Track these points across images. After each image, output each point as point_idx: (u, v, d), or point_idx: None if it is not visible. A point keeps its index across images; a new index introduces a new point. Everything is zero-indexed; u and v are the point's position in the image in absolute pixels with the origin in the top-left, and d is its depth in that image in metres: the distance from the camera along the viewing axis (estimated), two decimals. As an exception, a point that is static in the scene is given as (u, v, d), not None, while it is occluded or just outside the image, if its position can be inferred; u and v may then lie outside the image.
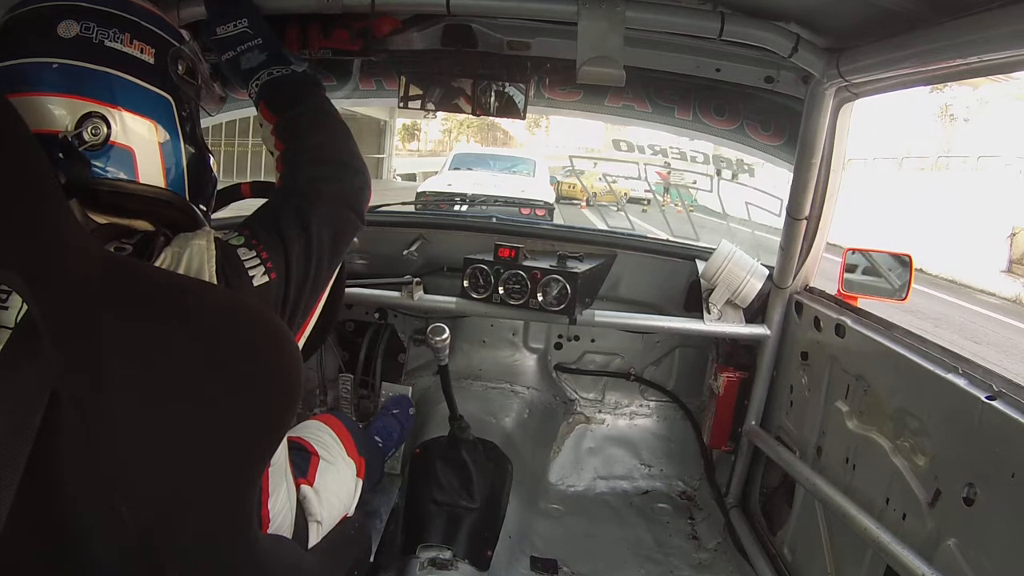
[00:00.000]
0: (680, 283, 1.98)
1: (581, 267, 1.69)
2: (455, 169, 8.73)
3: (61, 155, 0.65)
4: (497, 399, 2.06)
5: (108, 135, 0.67)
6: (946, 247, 11.89)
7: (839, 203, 1.54)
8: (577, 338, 2.18)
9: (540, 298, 1.64)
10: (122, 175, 0.69)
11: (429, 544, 1.45)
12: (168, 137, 0.73)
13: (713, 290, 1.77)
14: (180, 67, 0.75)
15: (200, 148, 0.79)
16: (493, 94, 1.54)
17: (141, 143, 0.70)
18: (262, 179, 1.10)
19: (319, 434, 1.26)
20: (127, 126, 0.69)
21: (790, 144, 1.64)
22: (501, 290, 1.67)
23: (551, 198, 7.82)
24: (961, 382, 1.03)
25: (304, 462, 1.13)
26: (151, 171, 0.71)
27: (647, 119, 1.83)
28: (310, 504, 1.05)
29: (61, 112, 0.65)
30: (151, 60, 0.72)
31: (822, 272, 1.65)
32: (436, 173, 9.52)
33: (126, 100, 0.69)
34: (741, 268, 1.74)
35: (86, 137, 0.66)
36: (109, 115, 0.67)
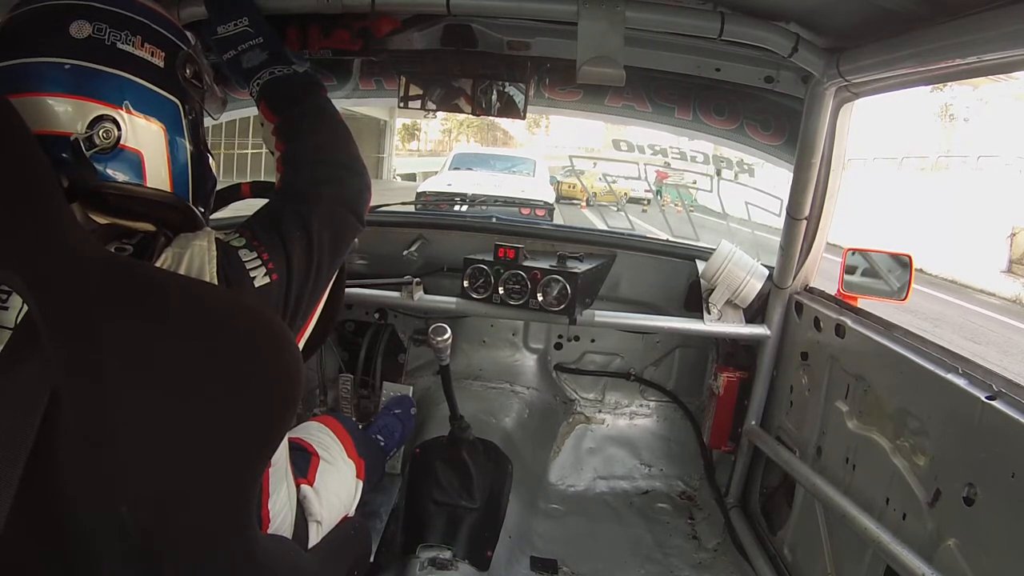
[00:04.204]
0: (680, 283, 1.98)
1: (581, 267, 1.69)
2: (455, 169, 8.72)
3: (65, 156, 0.65)
4: (497, 399, 2.06)
5: (119, 138, 0.67)
6: (946, 247, 11.89)
7: (839, 203, 1.54)
8: (577, 338, 2.18)
9: (540, 298, 1.64)
10: (129, 178, 0.69)
11: (429, 544, 1.45)
12: (174, 140, 0.73)
13: (713, 290, 1.77)
14: (187, 70, 0.75)
15: (202, 149, 0.79)
16: (493, 94, 1.54)
17: (150, 146, 0.70)
18: (262, 179, 1.10)
19: (319, 435, 1.26)
20: (137, 129, 0.69)
21: (790, 144, 1.64)
22: (501, 290, 1.67)
23: (551, 198, 7.82)
24: (961, 382, 1.03)
25: (304, 462, 1.13)
26: (158, 174, 0.71)
27: (647, 119, 1.83)
28: (310, 504, 1.05)
29: (70, 113, 0.65)
30: (161, 63, 0.72)
31: (822, 272, 1.65)
32: (436, 173, 9.53)
33: (136, 103, 0.69)
34: (741, 268, 1.74)
35: (97, 140, 0.66)
36: (120, 118, 0.67)
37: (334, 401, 2.16)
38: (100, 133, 0.66)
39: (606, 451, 2.12)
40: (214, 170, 0.82)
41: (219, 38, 0.99)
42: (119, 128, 0.67)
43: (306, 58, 1.31)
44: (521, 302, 1.66)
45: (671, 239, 2.45)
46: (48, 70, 0.65)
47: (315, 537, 1.05)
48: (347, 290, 1.15)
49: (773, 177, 2.11)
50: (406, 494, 1.64)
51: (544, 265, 1.66)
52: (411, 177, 19.44)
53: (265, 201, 0.78)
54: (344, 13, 1.24)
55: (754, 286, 1.73)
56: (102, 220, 0.68)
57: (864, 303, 1.51)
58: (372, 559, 1.43)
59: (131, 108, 0.68)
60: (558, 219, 7.11)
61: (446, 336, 1.51)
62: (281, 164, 0.84)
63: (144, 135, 0.69)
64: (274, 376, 0.63)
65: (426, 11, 1.33)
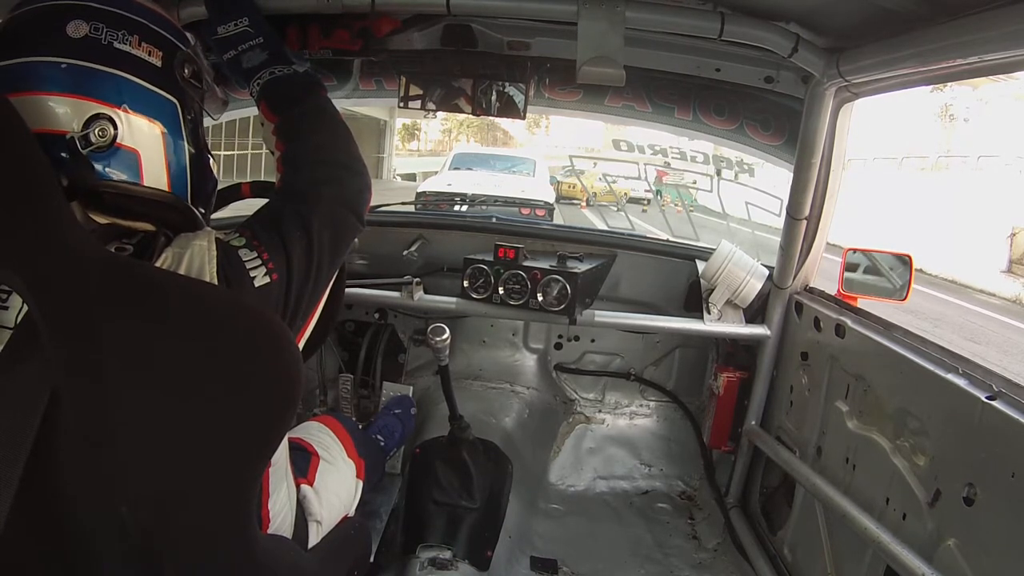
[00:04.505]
0: (680, 283, 1.98)
1: (581, 267, 1.69)
2: (455, 169, 8.73)
3: (64, 155, 0.65)
4: (497, 399, 2.06)
5: (115, 137, 0.67)
6: (946, 247, 11.89)
7: (839, 203, 1.54)
8: (577, 338, 2.18)
9: (540, 298, 1.64)
10: (126, 177, 0.69)
11: (429, 544, 1.45)
12: (172, 140, 0.73)
13: (713, 290, 1.77)
14: (186, 70, 0.75)
15: (201, 150, 0.79)
16: (493, 94, 1.54)
17: (146, 145, 0.70)
18: (262, 179, 1.10)
19: (319, 435, 1.26)
20: (133, 128, 0.69)
21: (790, 144, 1.64)
22: (501, 290, 1.67)
23: (551, 198, 7.82)
24: (961, 382, 1.03)
25: (304, 462, 1.13)
26: (155, 173, 0.71)
27: (647, 119, 1.83)
28: (310, 504, 1.05)
29: (67, 113, 0.65)
30: (158, 63, 0.72)
31: (822, 272, 1.65)
32: (436, 173, 9.53)
33: (133, 102, 0.69)
34: (741, 268, 1.74)
35: (93, 139, 0.66)
36: (116, 117, 0.67)
37: (334, 401, 2.16)
38: (96, 131, 0.66)
39: (606, 451, 2.12)
40: (214, 171, 0.82)
41: (219, 38, 0.99)
42: (115, 127, 0.67)
43: (306, 58, 1.31)
44: (521, 302, 1.66)
45: (671, 239, 2.45)
46: (45, 69, 0.65)
47: (315, 537, 1.05)
48: (347, 290, 1.15)
49: (773, 177, 2.11)
50: (406, 494, 1.64)
51: (544, 265, 1.66)
52: (411, 177, 19.45)
53: (265, 201, 0.78)
54: (344, 13, 1.24)
55: (754, 286, 1.73)
56: (102, 220, 0.68)
57: (864, 303, 1.51)
58: (372, 559, 1.43)
59: (128, 107, 0.68)
60: (558, 219, 7.11)
61: (444, 336, 1.51)
62: (281, 164, 0.84)
63: (141, 134, 0.69)
64: (274, 376, 0.63)
65: (426, 11, 1.33)
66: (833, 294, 1.56)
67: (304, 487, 1.06)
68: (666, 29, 1.26)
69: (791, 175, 1.53)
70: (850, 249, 1.62)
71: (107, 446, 0.56)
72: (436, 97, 1.56)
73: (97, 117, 0.66)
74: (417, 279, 1.79)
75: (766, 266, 1.77)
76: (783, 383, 1.69)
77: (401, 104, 1.58)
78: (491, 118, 1.67)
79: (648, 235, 2.43)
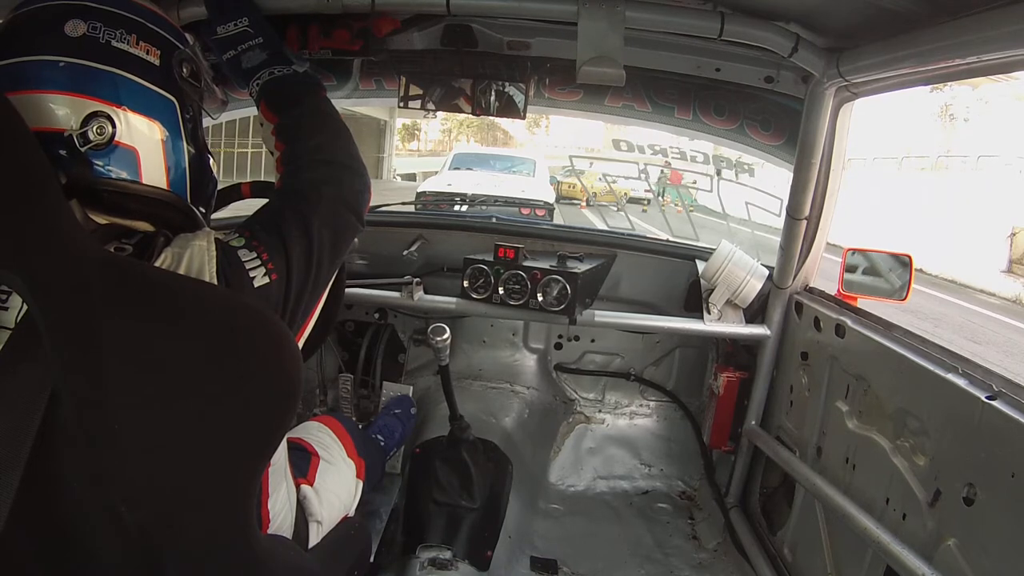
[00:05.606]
0: (680, 283, 1.98)
1: (581, 267, 1.69)
2: (455, 169, 8.73)
3: (63, 153, 0.65)
4: (497, 399, 2.06)
5: (113, 135, 0.67)
6: (946, 247, 11.89)
7: (839, 203, 1.54)
8: (577, 338, 2.18)
9: (540, 298, 1.64)
10: (125, 175, 0.69)
11: (429, 544, 1.46)
12: (171, 138, 0.73)
13: (713, 290, 1.76)
14: (184, 69, 0.75)
15: (201, 150, 0.79)
16: (493, 94, 1.54)
17: (145, 144, 0.70)
18: (262, 179, 1.10)
19: (319, 435, 1.26)
20: (132, 126, 0.69)
21: (790, 144, 1.64)
22: (501, 290, 1.67)
23: (551, 198, 7.83)
24: (961, 382, 1.03)
25: (304, 462, 1.13)
26: (154, 172, 0.71)
27: (647, 119, 1.83)
28: (310, 504, 1.05)
29: (65, 111, 0.65)
30: (156, 62, 0.72)
31: (822, 272, 1.65)
32: (436, 173, 9.54)
33: (131, 101, 0.69)
34: (741, 268, 1.74)
35: (91, 136, 0.66)
36: (114, 115, 0.67)
37: (334, 401, 2.16)
38: (94, 129, 0.66)
39: (606, 451, 2.12)
40: (214, 171, 0.82)
41: (219, 38, 0.99)
42: (113, 125, 0.67)
43: (306, 58, 1.31)
44: (521, 302, 1.66)
45: (671, 239, 2.45)
46: (43, 68, 0.65)
47: (315, 537, 1.05)
48: (347, 290, 1.15)
49: (773, 177, 2.11)
50: (406, 494, 1.64)
51: (544, 265, 1.66)
52: (411, 177, 19.46)
53: (265, 201, 0.78)
54: (344, 13, 1.24)
55: (754, 286, 1.73)
56: (101, 220, 0.68)
57: (864, 303, 1.51)
58: (372, 559, 1.43)
59: (126, 105, 0.68)
60: (558, 219, 7.12)
61: (445, 336, 1.52)
62: (281, 164, 0.85)
63: (139, 132, 0.69)
64: (274, 376, 0.63)
65: (426, 11, 1.33)
66: (833, 294, 1.56)
67: (304, 487, 1.06)
68: (666, 29, 1.26)
69: (791, 175, 1.53)
70: (850, 249, 1.62)
71: (107, 446, 0.56)
72: (436, 97, 1.56)
73: (95, 115, 0.66)
74: (417, 279, 1.80)
75: (766, 266, 1.77)
76: (783, 383, 1.69)
77: (401, 104, 1.58)
78: (491, 118, 1.67)
79: (648, 235, 2.43)
